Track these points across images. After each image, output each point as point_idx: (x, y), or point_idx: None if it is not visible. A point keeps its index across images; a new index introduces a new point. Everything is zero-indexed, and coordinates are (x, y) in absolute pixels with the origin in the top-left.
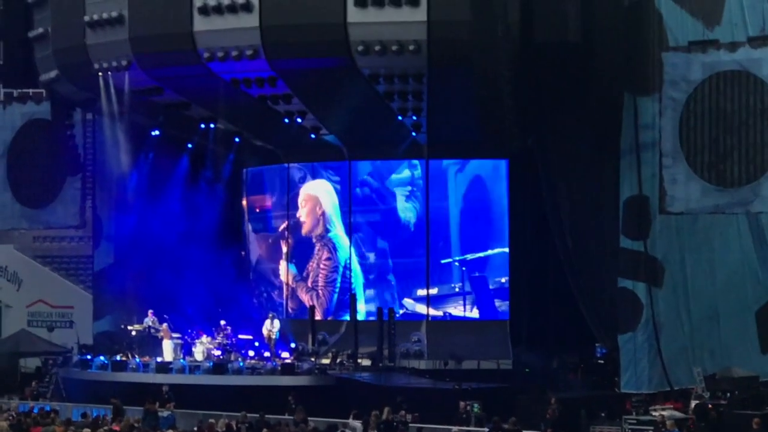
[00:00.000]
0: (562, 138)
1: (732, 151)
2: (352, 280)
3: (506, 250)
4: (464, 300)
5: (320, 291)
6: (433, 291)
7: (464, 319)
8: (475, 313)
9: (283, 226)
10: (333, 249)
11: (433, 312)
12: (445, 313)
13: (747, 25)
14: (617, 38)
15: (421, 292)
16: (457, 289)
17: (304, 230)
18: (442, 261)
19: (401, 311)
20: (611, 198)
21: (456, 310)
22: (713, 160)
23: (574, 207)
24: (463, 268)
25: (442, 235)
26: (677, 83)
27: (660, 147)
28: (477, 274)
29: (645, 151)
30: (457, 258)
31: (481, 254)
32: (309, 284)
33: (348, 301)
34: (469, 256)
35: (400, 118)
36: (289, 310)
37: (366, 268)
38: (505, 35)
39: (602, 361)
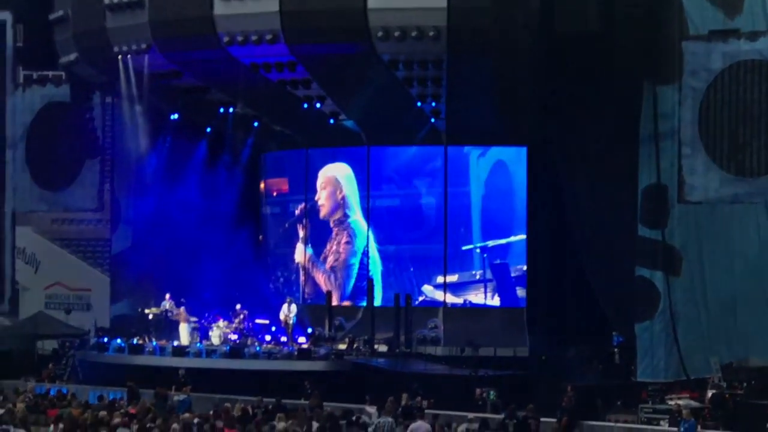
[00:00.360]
0: (582, 126)
1: (751, 141)
2: (370, 266)
3: (524, 237)
4: (485, 287)
5: (338, 275)
6: (454, 278)
7: (482, 306)
8: (496, 301)
9: (300, 207)
10: (352, 234)
11: (453, 299)
12: (465, 300)
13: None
14: (637, 27)
15: (441, 279)
16: (477, 277)
17: (323, 214)
18: (463, 248)
19: (420, 298)
20: (629, 187)
21: (477, 297)
22: (732, 149)
23: (593, 195)
24: (485, 255)
25: (463, 221)
26: (697, 72)
27: (679, 136)
28: (498, 262)
29: (664, 140)
30: (479, 245)
31: (503, 241)
32: (326, 268)
33: (365, 286)
34: (490, 243)
35: (419, 104)
36: (306, 295)
37: (384, 254)
38: (525, 23)
39: (618, 350)
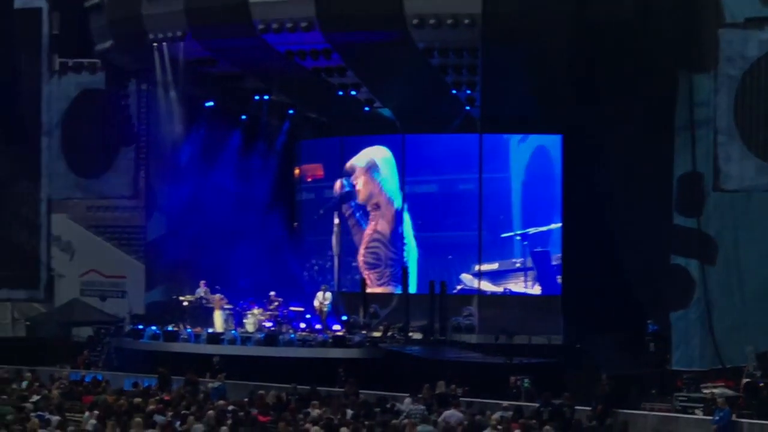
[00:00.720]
0: (617, 114)
1: None
2: (407, 253)
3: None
4: (525, 276)
5: (374, 262)
6: (493, 266)
7: (517, 294)
8: (536, 290)
9: (337, 185)
10: (389, 219)
11: (492, 288)
12: (505, 289)
13: None
14: (673, 15)
15: (481, 268)
16: (518, 265)
17: (360, 198)
18: (503, 235)
19: (458, 287)
20: (665, 175)
21: (517, 286)
22: None
23: (628, 183)
24: (525, 243)
25: (503, 207)
26: (733, 60)
27: (715, 124)
28: (539, 249)
29: (700, 129)
30: (519, 232)
31: (544, 228)
32: (362, 254)
33: (407, 273)
34: (531, 230)
35: (454, 91)
36: (341, 282)
37: (422, 241)
38: (559, 11)
39: (653, 338)
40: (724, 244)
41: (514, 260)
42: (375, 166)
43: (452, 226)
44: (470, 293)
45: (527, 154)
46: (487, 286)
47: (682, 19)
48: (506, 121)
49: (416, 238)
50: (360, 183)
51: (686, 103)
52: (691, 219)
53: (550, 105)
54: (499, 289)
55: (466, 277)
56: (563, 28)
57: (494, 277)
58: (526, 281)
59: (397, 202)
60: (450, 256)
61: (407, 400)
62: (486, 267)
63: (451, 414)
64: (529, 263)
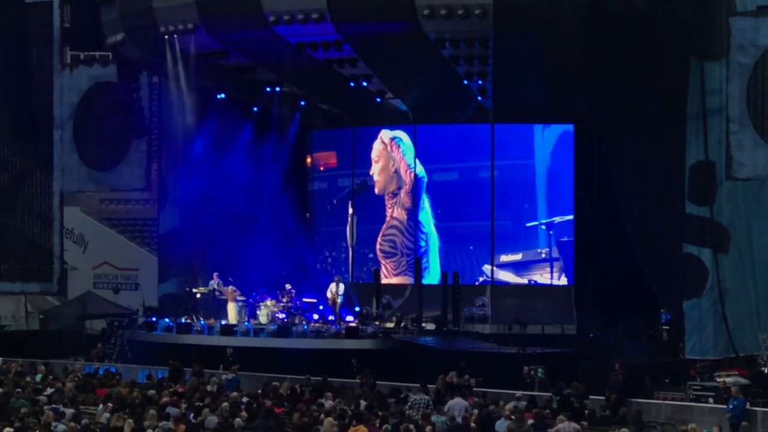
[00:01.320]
0: (629, 103)
1: None
2: (428, 243)
3: (571, 217)
4: (551, 267)
5: (390, 250)
6: (517, 257)
7: (535, 284)
8: (563, 281)
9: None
10: (406, 208)
11: (517, 279)
12: (530, 280)
13: None
14: (684, 3)
15: (505, 258)
16: (543, 255)
17: (378, 189)
18: (528, 224)
19: (481, 278)
20: (677, 164)
21: (542, 277)
22: None
23: (640, 172)
24: (551, 232)
25: (528, 195)
26: (745, 48)
27: (727, 113)
28: (566, 239)
29: (712, 117)
30: (544, 221)
31: (570, 217)
32: (379, 243)
33: (420, 263)
34: (557, 219)
35: (465, 82)
36: (355, 274)
37: (443, 231)
38: (570, 1)
39: (667, 327)
40: (736, 232)
41: (539, 250)
42: (398, 137)
43: (473, 216)
44: (483, 283)
45: (552, 139)
46: (510, 277)
47: (693, 7)
48: (518, 111)
49: (437, 228)
50: (378, 167)
51: (698, 91)
52: (704, 208)
53: (561, 95)
54: (524, 281)
55: (488, 269)
56: (575, 17)
57: (518, 268)
58: (552, 272)
59: (420, 171)
60: (471, 247)
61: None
62: (509, 258)
63: (456, 402)
64: (555, 253)
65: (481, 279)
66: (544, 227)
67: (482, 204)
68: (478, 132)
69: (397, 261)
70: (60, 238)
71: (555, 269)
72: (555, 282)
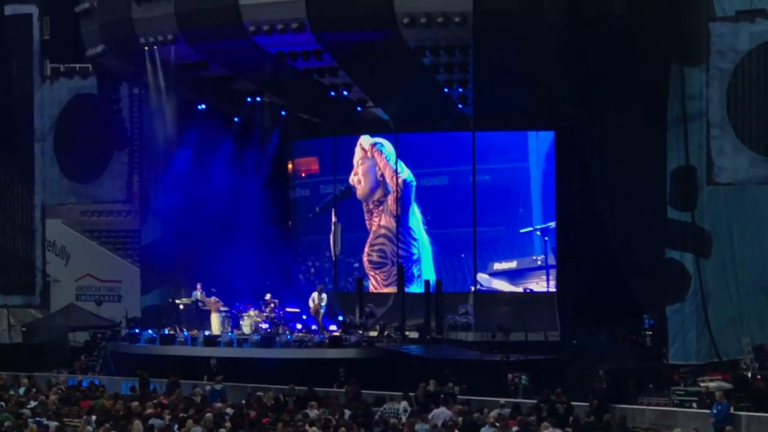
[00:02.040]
0: (609, 109)
1: None
2: (421, 251)
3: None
4: (547, 274)
5: (380, 260)
6: (512, 264)
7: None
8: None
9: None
10: (394, 215)
11: (511, 288)
12: (525, 289)
13: None
14: (664, 9)
15: (499, 266)
16: (539, 263)
17: (360, 194)
18: (522, 230)
19: (472, 289)
20: (658, 169)
21: (538, 285)
22: (761, 130)
23: (622, 178)
24: (546, 238)
25: (522, 200)
26: (725, 53)
27: (707, 117)
28: None
29: (692, 122)
30: (539, 226)
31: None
32: (367, 254)
33: (402, 270)
34: (552, 224)
35: (446, 90)
36: (339, 284)
37: (434, 237)
38: (551, 7)
39: (650, 333)
40: (718, 237)
41: (534, 257)
42: (380, 143)
43: (466, 222)
44: (467, 291)
45: (547, 140)
46: (504, 286)
47: (673, 13)
48: (499, 118)
49: (428, 234)
50: (361, 171)
51: (678, 96)
52: (685, 213)
53: (542, 101)
54: (519, 289)
55: (483, 277)
56: (555, 24)
57: (513, 276)
58: (548, 280)
59: (408, 176)
60: (463, 255)
61: (404, 403)
62: (504, 265)
63: (440, 412)
64: (552, 260)
65: (473, 289)
66: (539, 233)
67: (477, 209)
68: (468, 135)
69: (388, 271)
70: (42, 251)
71: (551, 277)
72: (552, 290)
